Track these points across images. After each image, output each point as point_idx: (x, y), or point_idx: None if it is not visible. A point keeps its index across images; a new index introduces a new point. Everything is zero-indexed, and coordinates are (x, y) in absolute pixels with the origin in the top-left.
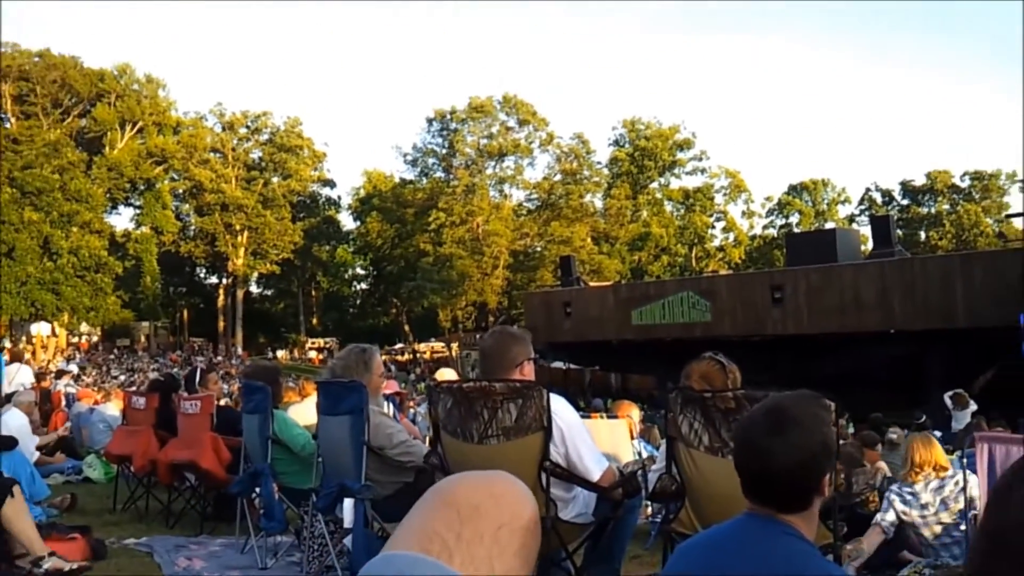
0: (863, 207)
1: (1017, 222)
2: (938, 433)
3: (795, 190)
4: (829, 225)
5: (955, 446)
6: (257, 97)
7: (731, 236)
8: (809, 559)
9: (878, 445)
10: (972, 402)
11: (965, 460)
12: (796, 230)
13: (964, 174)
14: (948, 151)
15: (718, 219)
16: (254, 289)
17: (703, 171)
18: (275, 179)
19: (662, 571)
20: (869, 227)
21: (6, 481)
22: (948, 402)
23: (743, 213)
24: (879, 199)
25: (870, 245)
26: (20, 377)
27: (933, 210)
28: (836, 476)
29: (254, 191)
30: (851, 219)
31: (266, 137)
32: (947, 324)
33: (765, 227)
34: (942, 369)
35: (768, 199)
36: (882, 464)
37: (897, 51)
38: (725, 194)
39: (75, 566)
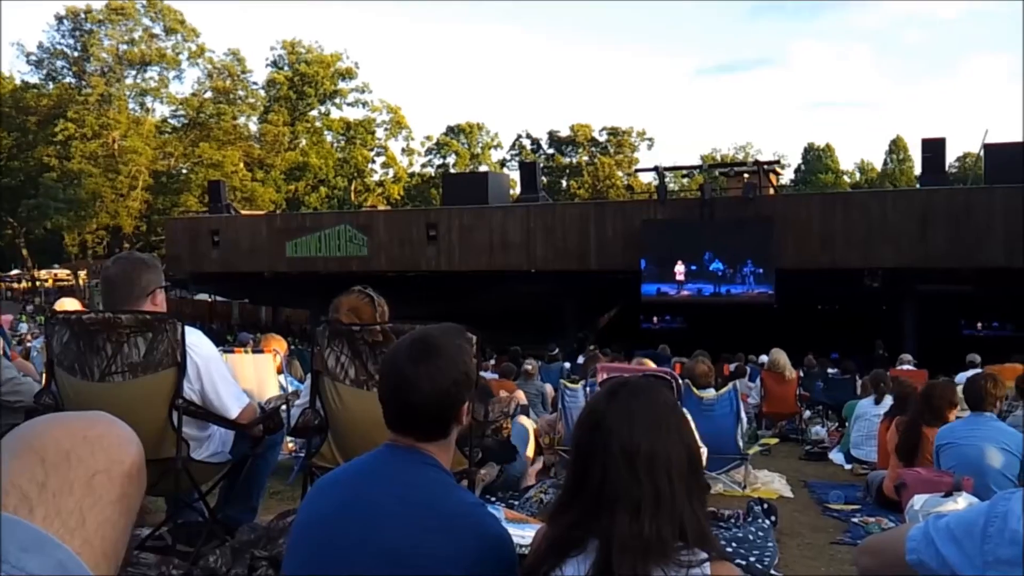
0: (514, 152)
1: (642, 176)
2: (567, 364)
3: (453, 131)
4: (483, 168)
5: (580, 375)
6: None
7: (391, 172)
8: (446, 488)
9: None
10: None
11: (588, 388)
12: (452, 171)
13: (602, 129)
14: (591, 107)
15: (378, 154)
16: None
17: (365, 104)
18: None
19: (301, 506)
20: (518, 172)
21: None
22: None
23: (403, 150)
24: (528, 146)
25: (518, 189)
26: None
27: (575, 160)
28: (473, 406)
29: None
30: (503, 163)
31: None
32: (581, 267)
33: (424, 165)
34: (575, 306)
35: (428, 138)
36: (519, 393)
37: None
38: (386, 129)
39: None
